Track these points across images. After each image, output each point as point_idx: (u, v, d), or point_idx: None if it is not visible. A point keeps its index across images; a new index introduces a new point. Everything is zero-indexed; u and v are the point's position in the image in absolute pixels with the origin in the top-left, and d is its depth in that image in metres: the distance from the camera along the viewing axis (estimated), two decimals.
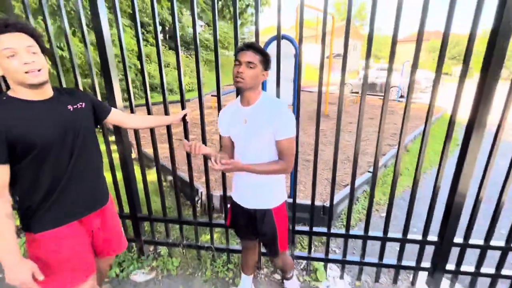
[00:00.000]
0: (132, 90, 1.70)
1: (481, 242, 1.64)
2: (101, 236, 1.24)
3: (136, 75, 10.29)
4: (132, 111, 1.71)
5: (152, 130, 1.76)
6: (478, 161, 1.46)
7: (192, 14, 1.48)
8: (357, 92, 11.99)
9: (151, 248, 2.14)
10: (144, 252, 2.05)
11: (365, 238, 1.75)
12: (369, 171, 3.41)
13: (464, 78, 1.35)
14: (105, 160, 1.82)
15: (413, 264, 1.78)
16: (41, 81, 0.96)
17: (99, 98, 1.72)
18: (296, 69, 1.57)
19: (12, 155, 0.92)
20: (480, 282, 1.78)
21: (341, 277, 1.87)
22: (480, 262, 1.69)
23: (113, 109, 1.33)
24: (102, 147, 1.81)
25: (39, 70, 0.94)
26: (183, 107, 1.66)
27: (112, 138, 1.82)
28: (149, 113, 1.72)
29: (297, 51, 1.56)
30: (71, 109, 1.08)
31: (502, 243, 1.63)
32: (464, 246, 1.66)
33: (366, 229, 1.74)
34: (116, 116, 1.34)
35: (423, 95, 11.45)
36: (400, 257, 1.77)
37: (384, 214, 2.76)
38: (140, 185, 1.94)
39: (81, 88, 1.67)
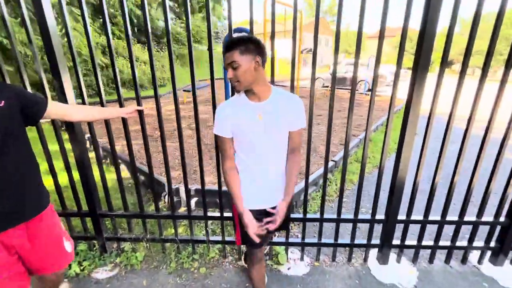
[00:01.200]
0: (83, 85, 1.65)
1: (420, 217, 1.83)
2: (30, 252, 1.11)
3: (102, 70, 9.80)
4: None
5: (107, 125, 1.72)
6: (429, 148, 1.63)
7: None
8: (327, 86, 12.39)
9: (114, 245, 2.11)
10: (106, 250, 2.02)
11: (321, 220, 1.87)
12: (332, 160, 3.59)
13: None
14: (59, 159, 1.77)
15: (364, 242, 1.94)
16: None
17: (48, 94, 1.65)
18: None
19: None
20: (425, 254, 2.00)
21: (301, 258, 1.99)
22: (421, 236, 1.89)
23: (51, 101, 1.20)
24: (55, 146, 1.75)
25: None
26: (138, 103, 1.64)
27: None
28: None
29: None
30: None
31: (438, 217, 1.83)
32: (406, 222, 1.84)
33: (322, 212, 1.87)
34: (57, 109, 1.22)
35: (388, 89, 12.12)
36: (353, 236, 1.92)
37: (345, 199, 2.95)
38: (100, 183, 1.89)
39: (27, 84, 1.59)
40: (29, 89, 1.63)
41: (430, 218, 1.83)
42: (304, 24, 6.71)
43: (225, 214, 1.89)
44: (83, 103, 1.67)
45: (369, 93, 10.72)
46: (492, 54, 1.41)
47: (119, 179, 1.87)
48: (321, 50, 27.01)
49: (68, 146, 1.72)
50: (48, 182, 1.87)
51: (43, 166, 1.78)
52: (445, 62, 1.46)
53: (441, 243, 1.90)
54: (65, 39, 1.56)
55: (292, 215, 1.91)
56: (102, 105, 1.67)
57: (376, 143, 4.71)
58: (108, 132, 1.75)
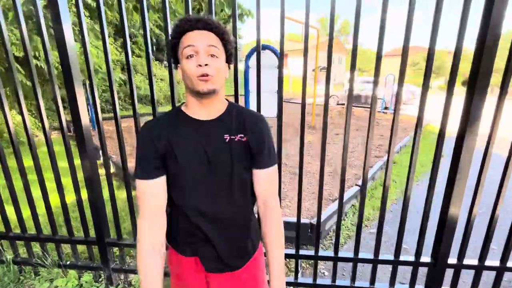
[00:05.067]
0: (98, 101, 1.54)
1: (475, 262, 1.55)
2: None
3: (120, 86, 10.09)
4: (98, 124, 1.55)
5: (120, 139, 1.59)
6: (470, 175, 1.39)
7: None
8: (343, 104, 12.20)
9: (122, 276, 1.91)
10: (113, 282, 1.83)
11: (355, 260, 1.62)
12: (357, 185, 3.33)
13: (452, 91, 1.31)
14: (68, 178, 1.64)
15: (407, 287, 1.66)
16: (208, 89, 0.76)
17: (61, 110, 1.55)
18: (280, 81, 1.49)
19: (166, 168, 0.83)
20: None
21: None
22: (475, 284, 1.59)
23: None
24: (64, 164, 1.63)
25: (207, 75, 0.74)
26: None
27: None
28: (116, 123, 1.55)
29: (280, 62, 1.48)
30: (227, 140, 0.81)
31: (496, 263, 1.55)
32: (458, 267, 1.56)
33: (356, 251, 1.62)
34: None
35: (405, 107, 11.78)
36: (392, 280, 1.65)
37: (373, 230, 2.66)
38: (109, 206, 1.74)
39: (41, 99, 1.50)
40: (42, 104, 1.55)
41: (488, 263, 1.54)
42: (320, 42, 6.67)
43: None
44: (97, 118, 1.55)
45: (386, 111, 10.44)
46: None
47: (130, 201, 1.71)
48: (334, 68, 27.10)
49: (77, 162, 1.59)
50: (54, 201, 1.75)
51: (52, 184, 1.67)
52: (507, 82, 1.26)
53: None
54: (83, 57, 1.48)
55: (321, 253, 1.66)
56: (116, 120, 1.54)
57: (402, 166, 4.40)
58: (120, 147, 1.61)
